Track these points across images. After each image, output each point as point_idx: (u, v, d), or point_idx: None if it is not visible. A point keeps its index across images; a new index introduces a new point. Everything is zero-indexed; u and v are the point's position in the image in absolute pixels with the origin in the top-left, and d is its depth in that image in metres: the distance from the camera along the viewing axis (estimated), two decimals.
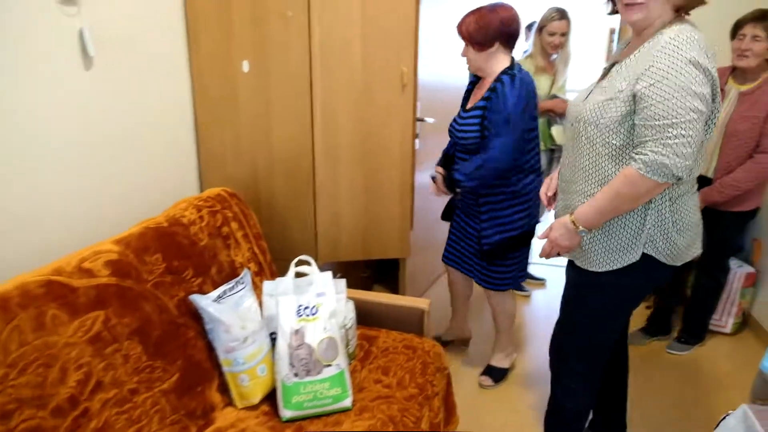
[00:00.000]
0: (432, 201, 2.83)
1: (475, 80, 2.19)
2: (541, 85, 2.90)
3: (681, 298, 2.72)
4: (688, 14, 1.38)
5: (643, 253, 1.42)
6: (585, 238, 1.48)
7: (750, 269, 2.70)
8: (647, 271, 1.45)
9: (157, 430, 1.29)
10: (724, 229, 2.32)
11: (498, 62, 2.02)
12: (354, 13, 1.95)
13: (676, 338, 2.65)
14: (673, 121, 1.23)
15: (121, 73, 1.73)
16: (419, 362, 1.70)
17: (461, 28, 2.01)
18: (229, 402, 1.52)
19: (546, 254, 1.57)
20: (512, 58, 2.06)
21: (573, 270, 1.60)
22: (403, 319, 1.88)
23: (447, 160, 2.24)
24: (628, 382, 1.88)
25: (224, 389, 1.53)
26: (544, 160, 2.96)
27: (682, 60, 1.23)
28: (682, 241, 1.42)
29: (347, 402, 1.50)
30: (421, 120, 2.45)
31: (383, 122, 2.08)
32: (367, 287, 3.01)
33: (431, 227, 2.87)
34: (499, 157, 1.95)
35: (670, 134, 1.24)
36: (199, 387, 1.46)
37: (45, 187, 1.48)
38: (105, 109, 1.68)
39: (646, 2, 1.30)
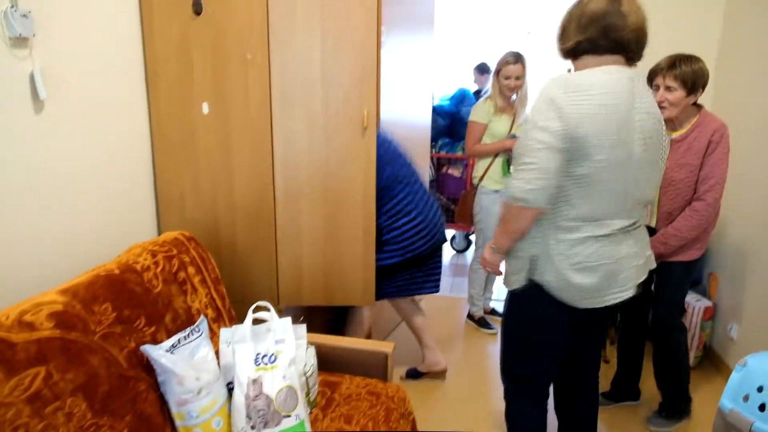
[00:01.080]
0: None
1: None
2: (502, 124, 2.98)
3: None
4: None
5: (533, 281, 1.55)
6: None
7: (708, 303, 2.76)
8: (541, 301, 1.56)
9: None
10: (676, 280, 2.22)
11: None
12: (314, 55, 1.97)
13: (656, 411, 2.39)
14: (523, 152, 1.43)
15: (74, 115, 1.69)
16: (383, 409, 1.65)
17: None
18: None
19: (484, 267, 1.73)
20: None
21: None
22: (366, 364, 1.84)
23: None
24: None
25: None
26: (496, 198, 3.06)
27: (543, 99, 1.41)
28: (585, 281, 1.49)
29: None
30: None
31: (344, 165, 2.07)
32: (334, 330, 2.95)
33: None
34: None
35: (522, 163, 1.43)
36: None
37: None
38: (56, 153, 1.63)
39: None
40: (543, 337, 1.66)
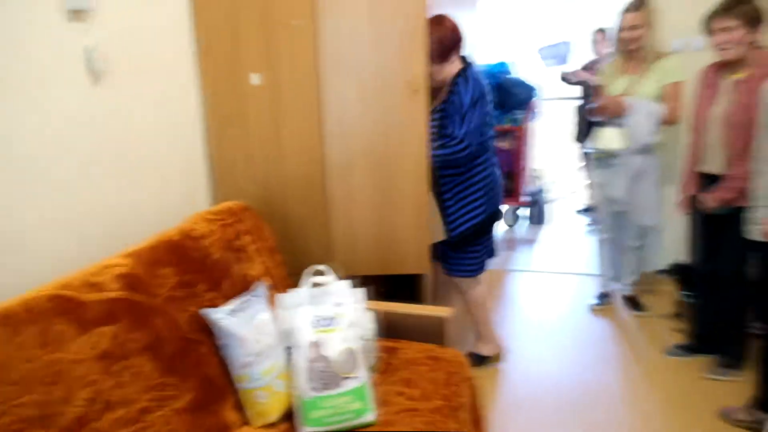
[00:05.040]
0: None
1: None
2: (618, 85, 2.66)
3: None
4: None
5: None
6: None
7: None
8: None
9: None
10: (740, 230, 2.08)
11: (454, 68, 2.21)
12: (361, 18, 1.92)
13: (717, 362, 2.38)
14: None
15: (130, 89, 1.72)
16: (443, 373, 1.62)
17: None
18: (246, 421, 1.45)
19: (765, 234, 1.76)
20: (463, 58, 2.25)
21: None
22: (423, 330, 1.81)
23: None
24: None
25: (239, 407, 1.46)
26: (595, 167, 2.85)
27: None
28: None
29: (370, 416, 1.43)
30: None
31: (396, 130, 2.03)
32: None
33: None
34: (458, 145, 2.16)
35: None
36: (213, 405, 1.40)
37: (53, 204, 1.45)
38: (114, 126, 1.65)
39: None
40: None
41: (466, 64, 2.23)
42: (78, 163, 1.52)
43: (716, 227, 2.24)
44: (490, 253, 2.46)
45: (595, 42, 4.23)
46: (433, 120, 2.20)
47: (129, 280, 1.32)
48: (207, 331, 1.46)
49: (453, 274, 2.43)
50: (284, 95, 2.02)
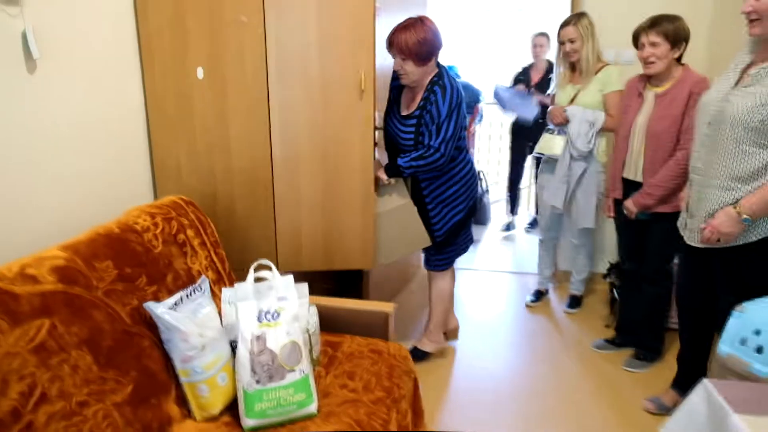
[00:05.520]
0: None
1: (399, 83, 2.31)
2: (564, 95, 2.80)
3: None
4: None
5: None
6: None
7: None
8: None
9: None
10: (660, 234, 2.32)
11: (430, 72, 2.20)
12: (310, 17, 1.95)
13: (632, 355, 2.58)
14: None
15: (68, 77, 1.67)
16: (385, 366, 1.67)
17: (399, 44, 2.10)
18: (188, 414, 1.45)
19: (706, 240, 1.77)
20: (438, 64, 2.24)
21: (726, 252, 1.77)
22: (367, 324, 1.85)
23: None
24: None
25: (182, 401, 1.46)
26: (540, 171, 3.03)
27: None
28: None
29: (312, 408, 1.46)
30: (380, 129, 2.45)
31: (342, 129, 2.06)
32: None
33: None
34: (434, 155, 2.19)
35: None
36: (154, 399, 1.39)
37: None
38: (49, 114, 1.61)
39: (759, 17, 1.58)
40: None
41: (441, 70, 2.23)
42: (9, 150, 1.47)
43: (639, 230, 2.41)
44: (467, 246, 2.55)
45: (535, 46, 4.12)
46: (406, 126, 2.26)
47: (66, 273, 1.29)
48: (149, 325, 1.45)
49: (427, 267, 2.54)
50: (232, 91, 2.02)
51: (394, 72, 2.27)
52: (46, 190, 1.60)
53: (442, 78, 2.20)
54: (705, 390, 1.07)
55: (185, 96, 2.04)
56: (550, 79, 3.50)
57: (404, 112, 2.29)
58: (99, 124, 1.82)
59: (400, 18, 2.65)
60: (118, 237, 1.50)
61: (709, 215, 1.75)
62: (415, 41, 2.08)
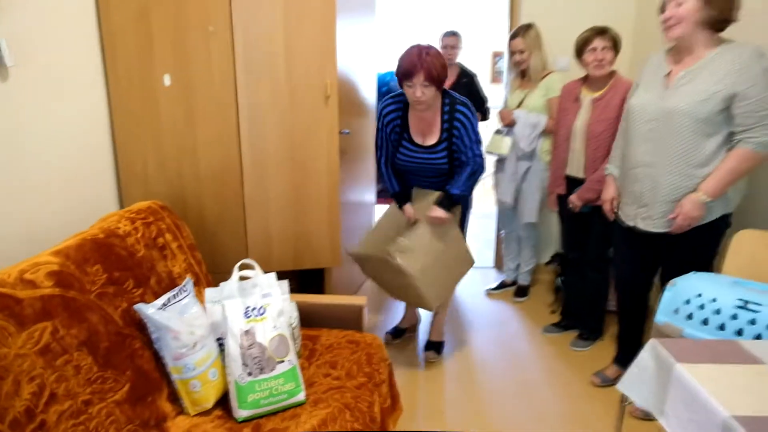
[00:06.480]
0: (349, 212, 2.95)
1: (399, 107, 2.29)
2: (513, 99, 3.04)
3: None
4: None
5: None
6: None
7: None
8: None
9: None
10: (601, 224, 2.52)
11: (439, 95, 2.21)
12: (277, 25, 2.03)
13: (577, 335, 2.82)
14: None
15: (38, 86, 1.68)
16: (364, 354, 1.78)
17: (429, 71, 2.05)
18: (181, 411, 1.51)
19: (679, 227, 1.93)
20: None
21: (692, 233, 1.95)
22: (341, 318, 1.95)
23: (404, 195, 2.46)
24: None
25: (174, 398, 1.51)
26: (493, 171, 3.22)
27: (763, 68, 1.72)
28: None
29: (301, 396, 1.55)
30: (344, 133, 2.56)
31: (309, 133, 2.16)
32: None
33: (351, 237, 2.97)
34: (481, 166, 2.29)
35: None
36: (149, 397, 1.44)
37: None
38: (21, 122, 1.61)
39: (678, 22, 1.79)
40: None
41: (445, 93, 2.24)
42: None
43: (582, 221, 2.65)
44: None
45: (444, 47, 3.69)
46: (437, 153, 2.27)
47: (61, 277, 1.32)
48: (138, 326, 1.49)
49: None
50: (199, 97, 2.07)
51: (393, 104, 2.29)
52: (11, 197, 1.60)
53: (451, 95, 2.23)
54: (653, 347, 1.27)
55: (152, 102, 2.07)
56: (464, 83, 3.58)
57: (428, 142, 2.27)
58: (63, 129, 1.82)
59: (353, 24, 2.78)
60: (104, 242, 1.53)
61: (673, 202, 1.93)
62: (441, 66, 2.08)
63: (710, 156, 1.85)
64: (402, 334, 2.85)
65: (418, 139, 2.29)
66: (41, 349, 1.18)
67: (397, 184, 2.44)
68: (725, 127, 1.81)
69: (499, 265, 3.83)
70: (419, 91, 2.09)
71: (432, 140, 2.26)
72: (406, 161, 2.35)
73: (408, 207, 2.41)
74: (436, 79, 2.08)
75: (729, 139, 1.83)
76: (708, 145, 1.84)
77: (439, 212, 2.27)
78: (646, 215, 2.04)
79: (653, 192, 1.99)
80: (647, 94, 1.99)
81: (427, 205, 2.33)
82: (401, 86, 2.17)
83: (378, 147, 2.42)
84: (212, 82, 2.05)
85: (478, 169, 2.30)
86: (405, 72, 2.08)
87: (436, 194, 2.33)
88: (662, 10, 1.86)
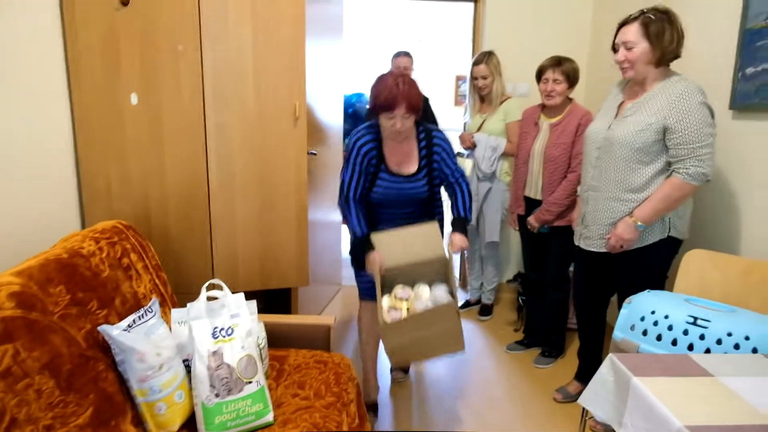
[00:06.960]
0: (316, 231, 2.96)
1: (374, 137, 2.12)
2: (474, 123, 3.16)
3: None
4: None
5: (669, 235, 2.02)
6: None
7: None
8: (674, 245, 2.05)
9: None
10: (559, 245, 2.66)
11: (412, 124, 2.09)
12: (246, 45, 2.06)
13: (540, 353, 2.89)
14: (703, 143, 1.82)
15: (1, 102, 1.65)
16: (332, 373, 1.79)
17: (411, 101, 1.96)
18: None
19: (612, 248, 2.04)
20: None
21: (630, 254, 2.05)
22: (309, 338, 1.96)
23: (369, 241, 2.13)
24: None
25: (138, 422, 1.47)
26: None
27: (696, 102, 1.83)
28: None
29: (269, 417, 1.54)
30: (312, 153, 2.58)
31: (278, 154, 2.18)
32: None
33: (318, 257, 2.98)
34: (468, 184, 2.22)
35: (702, 153, 1.83)
36: (113, 421, 1.40)
37: None
38: None
39: (631, 65, 1.93)
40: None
41: (419, 123, 2.15)
42: None
43: (541, 242, 2.75)
44: None
45: (396, 67, 3.52)
46: (418, 181, 2.15)
47: (22, 298, 1.29)
48: (102, 348, 1.46)
49: None
50: (167, 117, 2.07)
51: (368, 135, 2.11)
52: None
53: (420, 122, 2.14)
54: (611, 362, 1.33)
55: (117, 121, 2.05)
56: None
57: (406, 171, 2.14)
58: (26, 150, 1.79)
59: (321, 46, 2.82)
60: (68, 262, 1.50)
61: (610, 225, 2.05)
62: (418, 94, 2.01)
63: (646, 182, 1.96)
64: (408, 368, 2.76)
65: (394, 169, 2.15)
66: (2, 373, 1.14)
67: (365, 225, 2.13)
68: (663, 156, 1.93)
69: (463, 284, 3.89)
70: (399, 123, 1.99)
71: (411, 169, 2.14)
72: (384, 192, 2.16)
73: (375, 254, 2.06)
74: (415, 109, 2.00)
75: (666, 168, 1.94)
76: (644, 173, 1.95)
77: (461, 239, 2.12)
78: (587, 235, 2.16)
79: (593, 214, 2.11)
80: (599, 123, 2.11)
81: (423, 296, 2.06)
82: (377, 117, 2.06)
83: (346, 182, 2.13)
84: (180, 102, 2.05)
85: (469, 186, 2.22)
86: (385, 104, 1.96)
87: (426, 287, 2.09)
88: (614, 49, 1.99)
